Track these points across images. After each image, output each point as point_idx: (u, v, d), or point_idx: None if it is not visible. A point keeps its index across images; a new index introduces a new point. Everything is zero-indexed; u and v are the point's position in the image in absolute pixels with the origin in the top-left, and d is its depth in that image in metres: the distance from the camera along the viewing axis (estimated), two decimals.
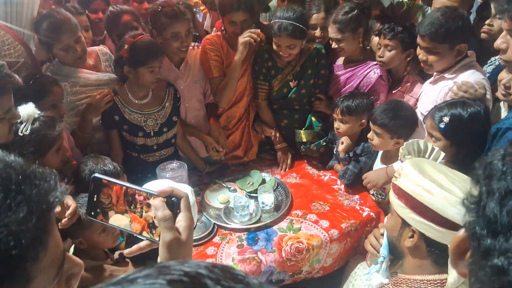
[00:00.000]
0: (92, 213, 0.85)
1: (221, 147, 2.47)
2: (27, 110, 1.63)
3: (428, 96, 2.08)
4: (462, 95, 1.84)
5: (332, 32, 2.28)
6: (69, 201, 1.48)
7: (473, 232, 0.53)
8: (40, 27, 2.10)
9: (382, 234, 1.40)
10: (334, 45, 2.33)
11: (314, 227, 2.05)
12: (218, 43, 2.40)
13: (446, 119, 1.69)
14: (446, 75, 1.99)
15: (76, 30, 2.12)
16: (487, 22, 2.14)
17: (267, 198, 2.15)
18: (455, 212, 1.06)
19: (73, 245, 1.66)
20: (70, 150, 2.05)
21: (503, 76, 1.82)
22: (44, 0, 2.65)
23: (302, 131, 2.49)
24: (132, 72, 2.10)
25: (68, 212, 1.46)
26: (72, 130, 2.21)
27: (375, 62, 2.36)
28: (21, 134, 1.58)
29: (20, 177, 0.57)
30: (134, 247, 0.86)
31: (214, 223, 2.06)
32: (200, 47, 2.43)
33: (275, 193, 2.25)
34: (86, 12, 2.64)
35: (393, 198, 1.25)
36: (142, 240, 0.85)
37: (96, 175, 0.85)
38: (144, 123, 2.26)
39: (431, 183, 1.13)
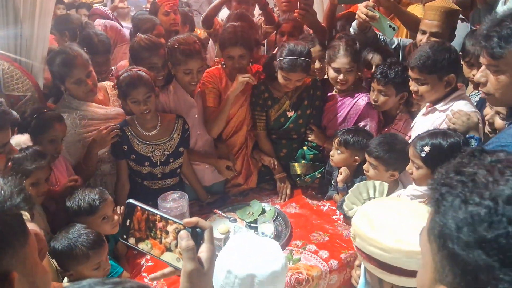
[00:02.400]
0: (124, 236, 0.89)
1: (232, 163, 2.55)
2: (19, 139, 1.69)
3: (421, 127, 2.13)
4: (454, 123, 1.90)
5: (346, 63, 2.34)
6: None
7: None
8: (53, 62, 2.19)
9: (359, 266, 1.40)
10: (342, 77, 2.37)
11: (314, 257, 2.06)
12: (217, 76, 2.51)
13: (427, 148, 1.75)
14: (438, 106, 2.05)
15: (87, 65, 2.22)
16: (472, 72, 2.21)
17: (267, 228, 2.17)
18: (417, 262, 0.97)
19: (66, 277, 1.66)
20: (59, 184, 2.08)
21: (487, 111, 1.89)
22: (60, 37, 2.76)
23: (296, 164, 2.54)
24: (126, 104, 2.20)
25: None
26: (78, 162, 2.25)
27: (364, 93, 2.47)
28: None
29: None
30: (159, 273, 0.90)
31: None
32: None
33: (274, 223, 2.26)
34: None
35: (360, 258, 1.24)
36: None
37: (131, 200, 0.89)
38: (151, 154, 2.32)
39: (384, 239, 1.11)
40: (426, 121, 2.11)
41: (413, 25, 2.60)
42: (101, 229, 1.84)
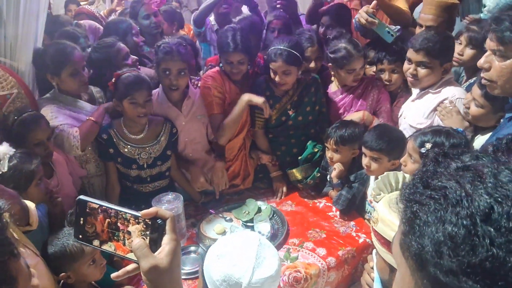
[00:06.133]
0: (80, 236, 0.84)
1: (220, 187, 2.48)
2: (2, 149, 1.66)
3: (414, 111, 2.20)
4: (443, 117, 1.98)
5: (361, 63, 2.45)
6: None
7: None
8: (47, 56, 2.16)
9: (372, 268, 1.39)
10: (358, 76, 2.47)
11: (311, 255, 2.05)
12: (220, 79, 2.43)
13: (428, 145, 1.73)
14: (431, 90, 2.14)
15: (81, 56, 2.21)
16: (457, 51, 2.29)
17: (264, 227, 2.15)
18: None
19: (61, 281, 1.63)
20: (63, 180, 2.06)
21: (467, 96, 1.95)
22: (49, 39, 2.71)
23: (294, 170, 2.50)
24: (119, 105, 2.16)
25: None
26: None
27: (370, 78, 2.57)
28: (0, 173, 1.60)
29: None
30: (121, 270, 0.84)
31: None
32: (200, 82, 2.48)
33: (271, 222, 2.25)
34: None
35: (376, 243, 1.23)
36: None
37: (82, 197, 0.84)
38: (137, 156, 2.28)
39: None
40: (419, 106, 2.18)
41: (397, 17, 2.66)
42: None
